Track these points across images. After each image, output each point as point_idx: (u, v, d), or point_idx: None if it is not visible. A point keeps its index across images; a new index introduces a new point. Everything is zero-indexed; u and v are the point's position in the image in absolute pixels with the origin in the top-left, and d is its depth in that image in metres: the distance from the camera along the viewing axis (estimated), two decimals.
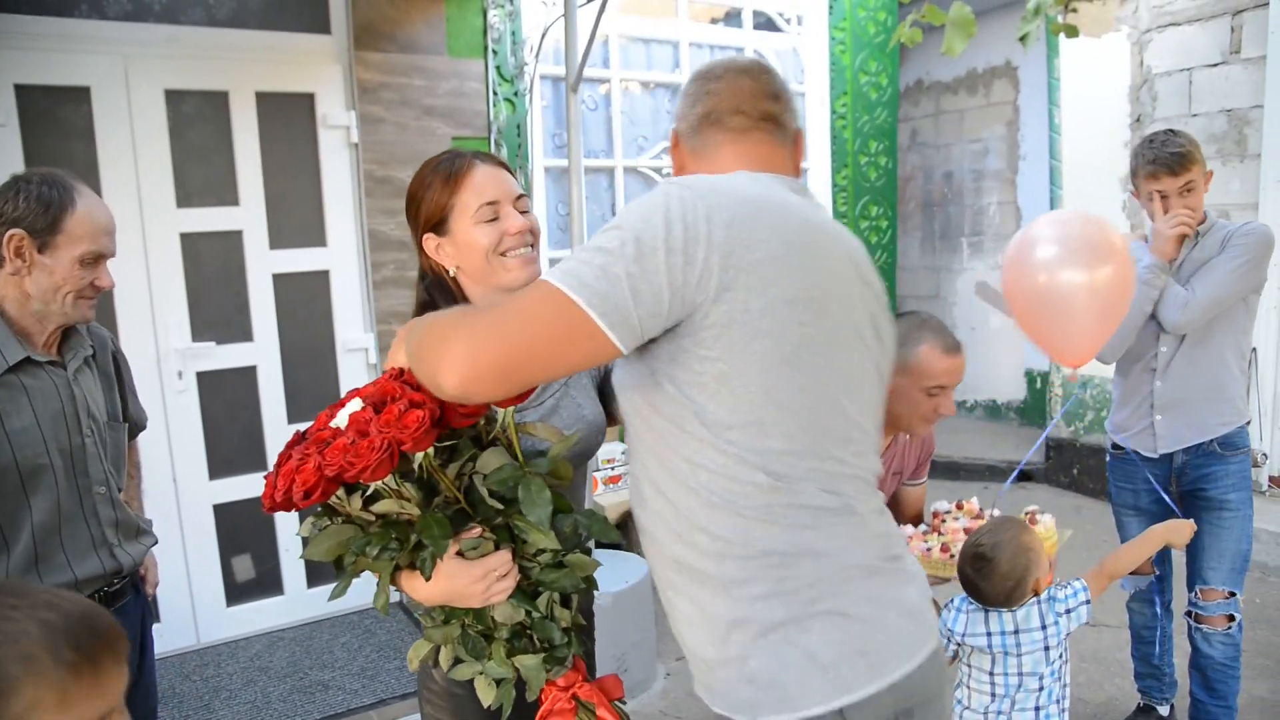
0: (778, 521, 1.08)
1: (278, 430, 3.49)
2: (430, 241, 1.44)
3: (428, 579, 1.13)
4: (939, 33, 2.66)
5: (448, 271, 1.45)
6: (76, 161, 3.04)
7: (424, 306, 1.46)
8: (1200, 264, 2.37)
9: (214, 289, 3.38)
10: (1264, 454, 4.13)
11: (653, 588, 3.06)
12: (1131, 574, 2.28)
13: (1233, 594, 2.40)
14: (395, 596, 1.24)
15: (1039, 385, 5.74)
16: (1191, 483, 2.45)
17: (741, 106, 1.22)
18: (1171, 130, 2.37)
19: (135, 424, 1.94)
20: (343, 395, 1.20)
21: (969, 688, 1.92)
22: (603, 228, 1.04)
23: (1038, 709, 1.86)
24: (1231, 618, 2.40)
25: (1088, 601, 1.85)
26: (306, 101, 3.46)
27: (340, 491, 1.13)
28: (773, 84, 1.25)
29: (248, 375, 3.46)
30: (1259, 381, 4.12)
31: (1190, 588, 2.47)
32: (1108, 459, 2.66)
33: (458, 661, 1.26)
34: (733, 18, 4.77)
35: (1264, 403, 4.14)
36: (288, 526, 3.52)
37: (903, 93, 6.17)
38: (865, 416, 1.16)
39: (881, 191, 5.16)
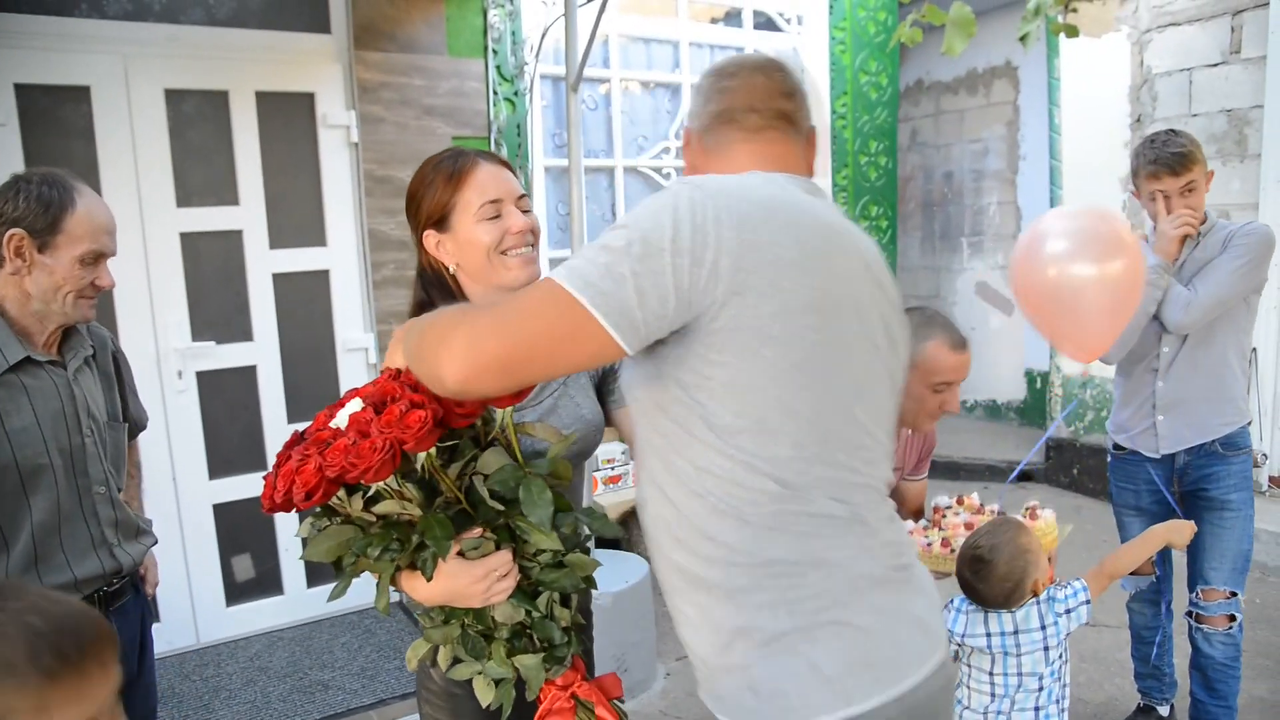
0: (785, 530, 1.06)
1: (278, 430, 3.48)
2: (431, 238, 1.44)
3: (429, 579, 1.13)
4: (939, 33, 2.66)
5: (447, 269, 1.45)
6: (76, 161, 3.04)
7: (421, 306, 1.45)
8: (1202, 264, 2.37)
9: (214, 289, 3.38)
10: (1264, 454, 4.13)
11: (653, 588, 3.06)
12: (1132, 574, 2.28)
13: (1234, 594, 2.40)
14: (395, 596, 1.24)
15: (1039, 385, 5.74)
16: (1193, 483, 2.45)
17: (756, 104, 1.20)
18: (1173, 130, 2.37)
19: (135, 424, 1.94)
20: (342, 395, 1.20)
21: (969, 688, 1.92)
22: (610, 226, 1.03)
23: (1037, 709, 1.85)
24: (1232, 618, 2.40)
25: (1087, 602, 1.85)
26: (306, 101, 3.46)
27: (341, 492, 1.13)
28: (788, 81, 1.23)
29: (248, 375, 3.46)
30: (1259, 381, 4.12)
31: (1191, 588, 2.47)
32: (1109, 459, 2.66)
33: (456, 661, 1.25)
34: (733, 18, 4.77)
35: (1264, 403, 4.14)
36: (287, 526, 3.52)
37: (903, 93, 6.17)
38: (877, 423, 1.14)
39: (881, 191, 5.16)
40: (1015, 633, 1.84)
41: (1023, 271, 2.14)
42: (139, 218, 3.18)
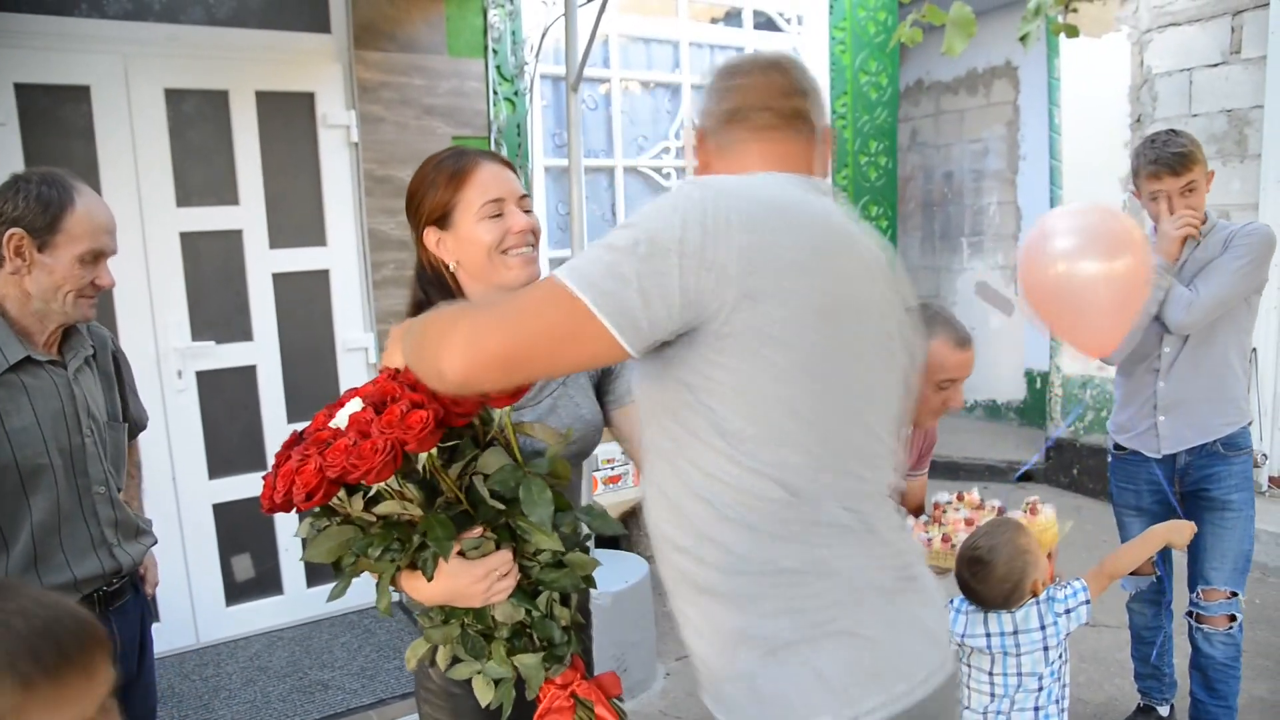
0: (793, 538, 1.04)
1: (277, 430, 3.48)
2: (431, 236, 1.44)
3: (430, 579, 1.13)
4: (939, 33, 2.66)
5: (447, 267, 1.45)
6: (76, 161, 3.04)
7: (419, 305, 1.45)
8: (1203, 264, 2.37)
9: (214, 288, 3.38)
10: (1264, 454, 4.13)
11: (653, 588, 3.06)
12: (1132, 574, 2.29)
13: (1235, 594, 2.40)
14: (395, 596, 1.24)
15: (1039, 385, 5.74)
16: (1194, 483, 2.45)
17: (769, 103, 1.17)
18: (1173, 130, 2.37)
19: (135, 424, 1.93)
20: (342, 395, 1.19)
21: (969, 688, 1.92)
22: (617, 225, 1.01)
23: (1037, 709, 1.85)
24: (1233, 618, 2.40)
25: (1087, 602, 1.85)
26: (306, 101, 3.45)
27: (341, 492, 1.12)
28: (801, 79, 1.20)
29: (247, 375, 3.46)
30: (1259, 381, 4.12)
31: (1192, 588, 2.47)
32: (1109, 459, 2.66)
33: (455, 661, 1.25)
34: (733, 17, 4.76)
35: (1264, 403, 4.14)
36: (287, 526, 3.52)
37: (903, 93, 6.17)
38: (886, 430, 1.12)
39: (881, 191, 5.16)
40: (1015, 633, 1.84)
41: (1032, 267, 2.13)
42: (139, 217, 3.18)
